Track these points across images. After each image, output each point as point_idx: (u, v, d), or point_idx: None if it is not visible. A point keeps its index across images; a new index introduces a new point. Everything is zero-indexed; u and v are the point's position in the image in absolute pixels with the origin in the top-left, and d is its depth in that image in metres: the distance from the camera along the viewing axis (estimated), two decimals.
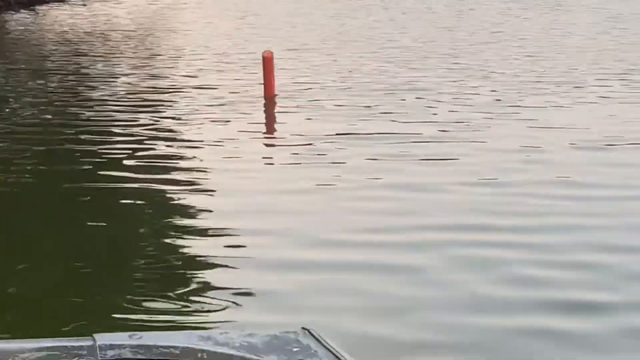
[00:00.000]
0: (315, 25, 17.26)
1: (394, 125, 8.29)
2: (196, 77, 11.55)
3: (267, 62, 9.92)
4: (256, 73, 10.50)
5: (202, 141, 8.27)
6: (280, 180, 6.65)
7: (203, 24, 18.68)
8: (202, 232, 5.46)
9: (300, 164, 7.06)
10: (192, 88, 10.65)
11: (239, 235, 5.39)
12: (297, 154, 7.30)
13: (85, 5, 25.01)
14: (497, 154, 7.35)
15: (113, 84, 11.54)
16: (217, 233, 5.41)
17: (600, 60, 12.22)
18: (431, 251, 5.13)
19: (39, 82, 12.17)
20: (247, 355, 2.29)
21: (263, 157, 7.89)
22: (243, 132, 8.26)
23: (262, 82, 10.05)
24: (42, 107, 10.12)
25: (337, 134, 7.96)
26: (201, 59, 12.86)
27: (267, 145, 8.33)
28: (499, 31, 15.60)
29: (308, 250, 5.10)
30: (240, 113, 9.05)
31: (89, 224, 5.68)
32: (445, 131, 8.05)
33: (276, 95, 10.10)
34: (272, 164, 7.64)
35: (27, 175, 7.39)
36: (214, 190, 6.48)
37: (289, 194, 6.16)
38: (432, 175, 6.67)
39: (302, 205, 5.95)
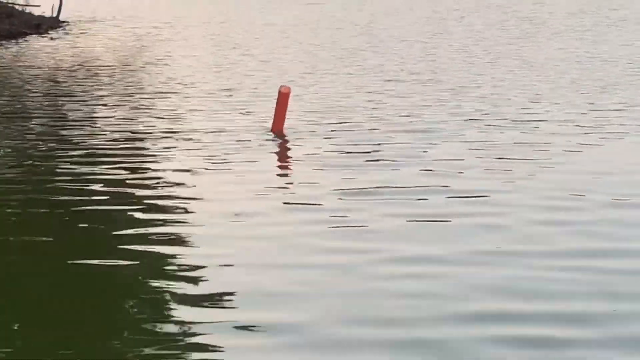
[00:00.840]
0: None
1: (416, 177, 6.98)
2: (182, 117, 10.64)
3: (282, 98, 9.37)
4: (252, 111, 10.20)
5: (198, 196, 7.06)
6: (290, 248, 5.43)
7: (186, 56, 18.52)
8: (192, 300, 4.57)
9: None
10: (173, 131, 9.70)
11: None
12: (313, 217, 5.94)
13: (66, 33, 25.39)
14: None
15: (95, 126, 10.77)
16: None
17: None
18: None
19: (18, 124, 11.58)
20: None
21: (272, 220, 6.43)
22: (243, 184, 7.04)
23: (272, 117, 9.48)
24: (20, 152, 9.50)
25: (352, 189, 6.61)
26: (186, 97, 12.15)
27: (275, 204, 6.82)
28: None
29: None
30: (241, 156, 8.03)
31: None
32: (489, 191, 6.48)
33: (285, 136, 9.40)
34: (281, 226, 6.14)
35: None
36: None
37: (300, 268, 4.99)
38: (474, 242, 5.19)
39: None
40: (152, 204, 6.91)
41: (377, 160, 7.78)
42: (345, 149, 8.27)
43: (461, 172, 6.90)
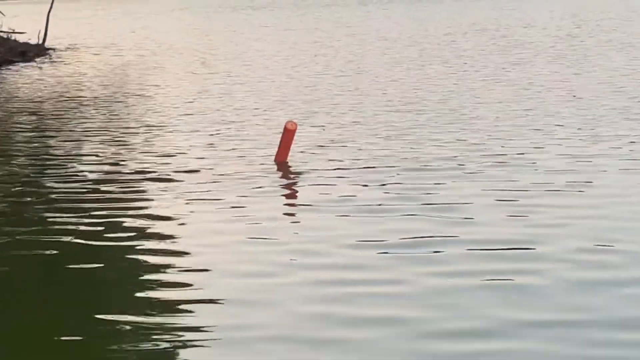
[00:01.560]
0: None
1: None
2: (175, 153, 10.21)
3: (288, 135, 9.14)
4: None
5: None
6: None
7: (174, 85, 18.29)
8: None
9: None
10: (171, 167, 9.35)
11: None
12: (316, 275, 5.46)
13: (53, 61, 25.29)
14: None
15: (83, 161, 10.56)
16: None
17: None
18: None
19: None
20: None
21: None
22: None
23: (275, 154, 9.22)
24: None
25: (361, 241, 6.07)
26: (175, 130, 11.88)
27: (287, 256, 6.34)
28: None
29: None
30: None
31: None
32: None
33: (290, 168, 9.08)
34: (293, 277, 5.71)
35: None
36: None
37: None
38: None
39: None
40: (143, 237, 6.70)
41: (384, 205, 7.20)
42: (356, 189, 7.75)
43: (479, 219, 6.38)
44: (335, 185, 8.27)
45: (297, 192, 8.51)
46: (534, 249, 5.71)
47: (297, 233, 6.80)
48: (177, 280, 5.59)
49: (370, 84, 16.43)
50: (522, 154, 9.14)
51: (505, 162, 8.53)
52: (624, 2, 37.88)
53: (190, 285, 5.46)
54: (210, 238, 6.73)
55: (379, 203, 7.34)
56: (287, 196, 8.28)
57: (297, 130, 9.27)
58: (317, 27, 35.10)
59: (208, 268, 5.76)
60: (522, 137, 10.03)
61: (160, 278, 5.78)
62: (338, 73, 18.40)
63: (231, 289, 5.26)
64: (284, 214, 7.55)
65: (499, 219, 6.37)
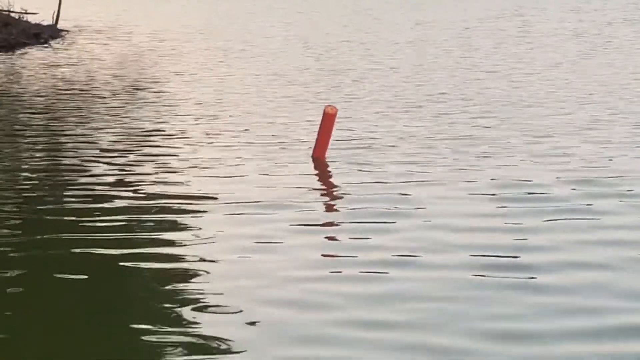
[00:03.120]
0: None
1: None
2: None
3: (328, 120, 8.87)
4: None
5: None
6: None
7: (195, 72, 17.72)
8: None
9: None
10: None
11: None
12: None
13: (68, 44, 24.91)
14: None
15: (104, 147, 10.42)
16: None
17: None
18: None
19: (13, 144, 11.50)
20: None
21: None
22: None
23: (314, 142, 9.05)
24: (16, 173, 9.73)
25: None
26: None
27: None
28: None
29: None
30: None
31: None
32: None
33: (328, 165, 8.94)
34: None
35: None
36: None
37: None
38: None
39: None
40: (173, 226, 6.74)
41: (418, 216, 6.66)
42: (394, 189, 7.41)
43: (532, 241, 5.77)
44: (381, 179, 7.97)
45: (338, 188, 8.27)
46: None
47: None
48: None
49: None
50: None
51: None
52: None
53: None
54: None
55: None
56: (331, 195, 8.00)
57: (335, 114, 9.05)
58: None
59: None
60: None
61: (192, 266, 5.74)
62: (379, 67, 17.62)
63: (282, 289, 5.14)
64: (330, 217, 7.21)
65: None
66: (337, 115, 9.16)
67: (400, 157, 9.05)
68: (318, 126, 9.10)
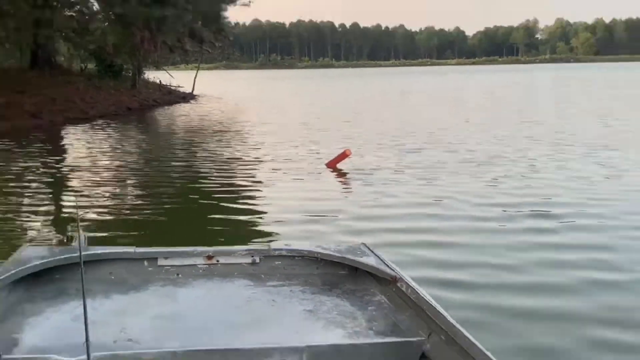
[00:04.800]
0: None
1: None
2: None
3: (343, 155, 10.43)
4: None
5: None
6: None
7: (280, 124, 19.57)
8: None
9: None
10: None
11: None
12: None
13: (200, 103, 31.78)
14: None
15: (211, 157, 12.78)
16: None
17: None
18: None
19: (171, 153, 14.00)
20: (324, 252, 2.95)
21: None
22: None
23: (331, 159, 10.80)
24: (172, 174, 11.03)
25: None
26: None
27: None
28: None
29: None
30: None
31: None
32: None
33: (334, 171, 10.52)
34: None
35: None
36: None
37: None
38: None
39: None
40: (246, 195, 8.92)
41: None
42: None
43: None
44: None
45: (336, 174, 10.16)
46: None
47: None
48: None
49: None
50: None
51: None
52: None
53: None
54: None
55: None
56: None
57: (350, 156, 10.48)
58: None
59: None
60: None
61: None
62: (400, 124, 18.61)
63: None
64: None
65: None
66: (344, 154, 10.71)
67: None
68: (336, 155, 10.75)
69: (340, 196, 9.10)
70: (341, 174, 10.45)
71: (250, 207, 8.34)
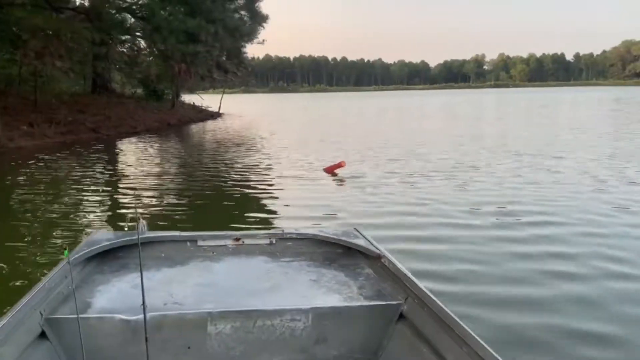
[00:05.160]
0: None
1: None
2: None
3: (339, 165, 9.77)
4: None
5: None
6: None
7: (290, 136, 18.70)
8: None
9: None
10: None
11: None
12: None
13: (224, 120, 30.72)
14: None
15: (232, 165, 12.09)
16: None
17: None
18: None
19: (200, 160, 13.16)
20: (325, 235, 2.93)
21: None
22: None
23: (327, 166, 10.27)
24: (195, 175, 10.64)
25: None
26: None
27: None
28: None
29: None
30: None
31: None
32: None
33: (329, 175, 9.80)
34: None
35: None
36: None
37: None
38: None
39: None
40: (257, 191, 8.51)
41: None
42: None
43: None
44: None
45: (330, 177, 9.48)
46: None
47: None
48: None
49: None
50: None
51: None
52: None
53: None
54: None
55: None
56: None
57: (344, 166, 9.86)
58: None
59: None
60: None
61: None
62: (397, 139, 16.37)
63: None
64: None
65: None
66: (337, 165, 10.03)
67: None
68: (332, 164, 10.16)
69: (334, 189, 8.95)
70: (334, 174, 10.22)
71: (267, 201, 8.18)
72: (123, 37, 22.93)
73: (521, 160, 11.21)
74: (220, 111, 35.77)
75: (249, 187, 9.20)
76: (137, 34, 22.60)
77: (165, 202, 8.05)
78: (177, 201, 8.11)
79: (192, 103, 34.60)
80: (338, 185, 9.35)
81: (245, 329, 2.27)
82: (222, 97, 36.08)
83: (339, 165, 9.98)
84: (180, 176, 10.78)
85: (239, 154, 13.97)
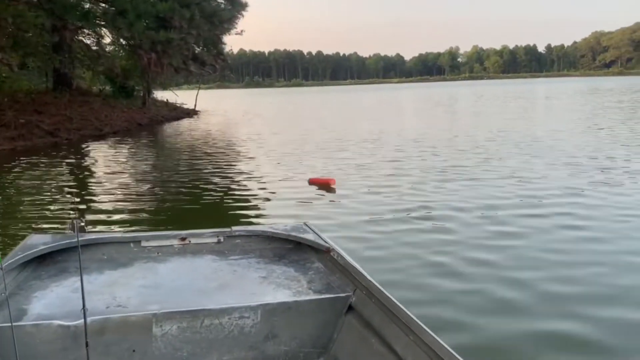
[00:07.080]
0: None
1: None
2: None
3: (329, 182, 8.79)
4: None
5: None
6: None
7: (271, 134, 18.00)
8: None
9: None
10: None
11: None
12: None
13: (200, 117, 29.38)
14: None
15: (211, 162, 11.93)
16: None
17: None
18: None
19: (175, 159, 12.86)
20: (274, 231, 2.93)
21: None
22: None
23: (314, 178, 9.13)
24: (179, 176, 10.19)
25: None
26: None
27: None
28: None
29: None
30: None
31: None
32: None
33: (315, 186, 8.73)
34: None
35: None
36: None
37: None
38: None
39: None
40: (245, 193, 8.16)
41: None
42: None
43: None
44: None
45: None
46: None
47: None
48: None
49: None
50: None
51: None
52: None
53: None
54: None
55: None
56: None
57: (333, 185, 8.62)
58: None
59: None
60: None
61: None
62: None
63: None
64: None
65: None
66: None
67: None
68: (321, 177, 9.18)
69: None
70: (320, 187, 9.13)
71: (225, 196, 8.07)
72: (80, 24, 19.64)
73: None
74: (197, 108, 34.23)
75: (206, 183, 9.13)
76: (97, 19, 19.49)
77: (112, 202, 7.75)
78: (124, 201, 7.81)
79: (165, 100, 32.86)
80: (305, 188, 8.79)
81: (192, 329, 2.25)
82: (197, 93, 34.62)
83: (327, 183, 9.00)
84: (133, 176, 10.35)
85: (217, 159, 12.94)
